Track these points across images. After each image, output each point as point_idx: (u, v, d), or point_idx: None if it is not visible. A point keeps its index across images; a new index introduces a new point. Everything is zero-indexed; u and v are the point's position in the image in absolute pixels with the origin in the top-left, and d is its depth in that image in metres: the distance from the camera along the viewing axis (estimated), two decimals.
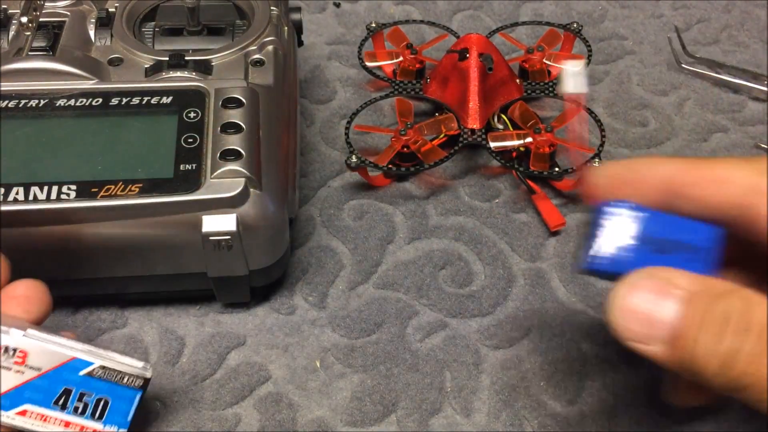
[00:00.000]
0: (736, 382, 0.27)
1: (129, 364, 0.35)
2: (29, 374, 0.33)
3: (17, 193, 0.39)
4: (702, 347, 0.27)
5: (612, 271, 0.30)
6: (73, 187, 0.39)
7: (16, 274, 0.36)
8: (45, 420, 0.34)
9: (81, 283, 0.42)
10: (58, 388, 0.34)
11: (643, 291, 0.29)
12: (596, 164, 0.48)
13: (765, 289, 0.28)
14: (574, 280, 0.47)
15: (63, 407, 0.34)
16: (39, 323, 0.35)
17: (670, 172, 0.31)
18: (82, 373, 0.34)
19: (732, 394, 0.28)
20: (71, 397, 0.34)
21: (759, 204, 0.30)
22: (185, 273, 0.42)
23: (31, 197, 0.39)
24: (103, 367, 0.35)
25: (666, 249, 0.30)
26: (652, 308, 0.28)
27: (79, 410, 0.34)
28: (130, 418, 0.35)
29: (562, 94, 0.32)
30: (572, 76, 0.34)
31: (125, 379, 0.35)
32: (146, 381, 0.36)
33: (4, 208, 0.38)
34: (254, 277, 0.43)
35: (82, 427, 0.34)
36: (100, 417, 0.35)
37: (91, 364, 0.35)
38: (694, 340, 0.27)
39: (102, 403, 0.35)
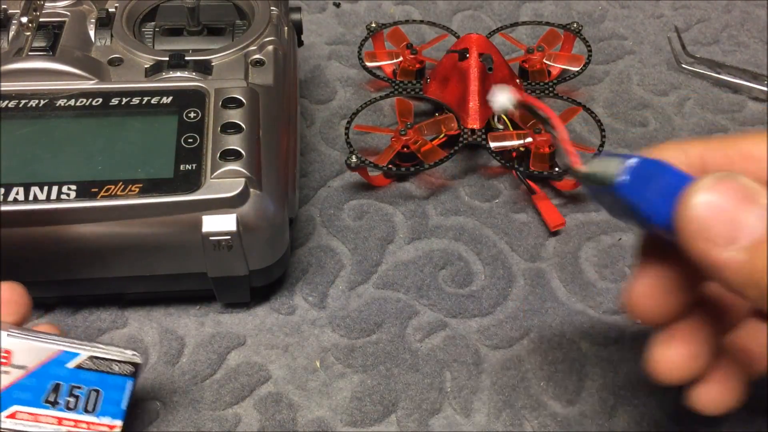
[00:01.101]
0: None
1: (117, 352, 0.35)
2: (15, 374, 0.33)
3: (17, 193, 0.39)
4: None
5: (647, 186, 0.28)
6: (73, 187, 0.39)
7: (16, 275, 0.36)
8: (36, 419, 0.33)
9: (81, 283, 0.42)
10: (47, 385, 0.33)
11: (728, 191, 0.26)
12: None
13: None
14: (574, 280, 0.47)
15: (54, 404, 0.33)
16: (19, 325, 0.34)
17: (698, 155, 0.30)
18: (70, 365, 0.34)
19: None
20: (61, 392, 0.33)
21: None
22: (185, 273, 0.42)
23: (31, 197, 0.39)
24: (91, 358, 0.34)
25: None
26: (737, 211, 0.26)
27: (71, 405, 0.34)
28: (124, 407, 0.35)
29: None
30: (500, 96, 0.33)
31: (115, 368, 0.35)
32: (137, 367, 0.35)
33: (4, 208, 0.38)
34: (254, 277, 0.43)
35: (76, 422, 0.34)
36: (93, 409, 0.34)
37: (78, 355, 0.34)
38: None
39: (94, 395, 0.34)
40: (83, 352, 0.34)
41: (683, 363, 0.31)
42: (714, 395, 0.33)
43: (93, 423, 0.34)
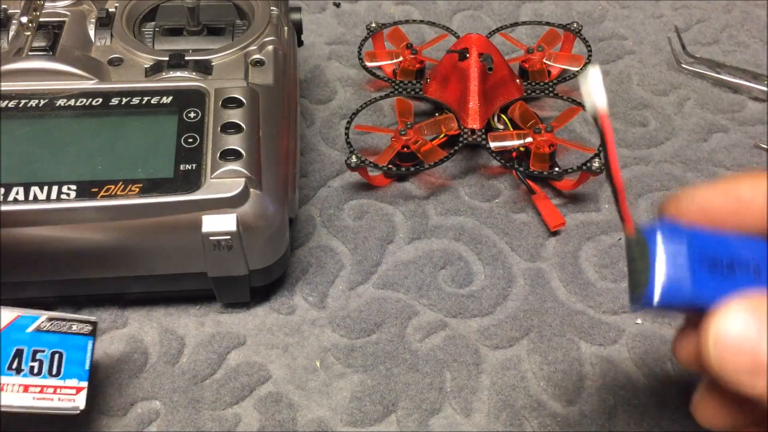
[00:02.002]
0: None
1: (72, 316, 0.35)
2: None
3: (17, 193, 0.39)
4: None
5: (678, 304, 0.27)
6: (73, 187, 0.39)
7: (16, 275, 0.36)
8: (1, 389, 0.33)
9: (81, 283, 0.42)
10: (9, 351, 0.33)
11: (745, 320, 0.25)
12: (596, 164, 0.48)
13: None
14: (574, 280, 0.47)
15: (18, 371, 0.33)
16: None
17: (702, 203, 0.28)
18: (29, 329, 0.34)
19: None
20: (24, 357, 0.33)
21: None
22: (185, 273, 0.42)
23: (31, 197, 0.39)
24: (50, 319, 0.34)
25: (725, 269, 0.27)
26: (758, 340, 0.25)
27: (35, 370, 0.33)
28: (87, 367, 0.35)
29: (590, 114, 0.28)
30: (598, 85, 0.27)
31: (74, 327, 0.35)
32: (94, 326, 0.35)
33: (4, 208, 0.38)
34: (254, 277, 0.43)
35: (42, 387, 0.33)
36: (58, 373, 0.34)
37: (37, 318, 0.34)
38: None
39: (56, 357, 0.34)
40: (41, 315, 0.34)
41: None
42: (717, 411, 0.31)
43: (59, 386, 0.34)
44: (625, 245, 0.28)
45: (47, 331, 0.34)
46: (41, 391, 0.33)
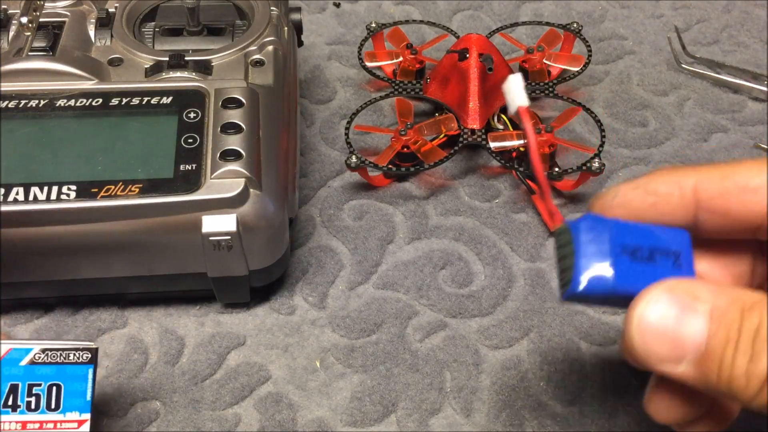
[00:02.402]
0: None
1: (69, 343, 0.33)
2: None
3: (17, 193, 0.39)
4: (738, 368, 0.25)
5: (602, 291, 0.27)
6: (73, 187, 0.39)
7: (16, 275, 0.36)
8: None
9: (81, 283, 0.42)
10: (4, 387, 0.31)
11: (664, 307, 0.26)
12: (596, 164, 0.48)
13: None
14: None
15: (14, 408, 0.31)
16: None
17: (691, 187, 0.29)
18: (23, 362, 0.32)
19: None
20: (20, 393, 0.31)
21: None
22: (185, 273, 0.42)
23: (31, 197, 0.39)
24: (44, 350, 0.32)
25: (647, 257, 0.28)
26: (677, 326, 0.26)
27: (32, 405, 0.32)
28: (89, 397, 0.33)
29: (512, 114, 0.30)
30: (517, 88, 0.30)
31: (71, 356, 0.33)
32: (94, 353, 0.33)
33: (4, 208, 0.38)
34: (254, 277, 0.43)
35: (42, 423, 0.32)
36: (57, 407, 0.32)
37: (30, 350, 0.32)
38: (728, 360, 0.25)
39: (55, 390, 0.32)
40: (34, 347, 0.32)
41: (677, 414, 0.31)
42: (667, 404, 0.31)
43: (59, 421, 0.32)
44: (554, 240, 0.29)
45: (42, 363, 0.32)
46: (40, 428, 0.32)
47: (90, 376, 0.33)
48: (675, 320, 0.26)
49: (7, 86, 0.43)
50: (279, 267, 0.44)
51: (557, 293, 0.29)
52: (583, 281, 0.27)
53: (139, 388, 0.42)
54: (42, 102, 0.43)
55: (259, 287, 0.45)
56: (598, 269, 0.27)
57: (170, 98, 0.43)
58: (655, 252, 0.28)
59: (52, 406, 0.32)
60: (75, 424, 0.33)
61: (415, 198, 0.51)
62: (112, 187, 0.39)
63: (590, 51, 0.57)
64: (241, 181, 0.39)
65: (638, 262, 0.28)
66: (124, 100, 0.43)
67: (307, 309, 0.46)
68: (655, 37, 0.63)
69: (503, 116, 0.53)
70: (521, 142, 0.50)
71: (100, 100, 0.43)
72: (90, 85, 0.44)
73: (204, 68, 0.45)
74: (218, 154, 0.40)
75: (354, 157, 0.49)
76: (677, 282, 0.27)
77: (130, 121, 0.42)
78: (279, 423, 0.41)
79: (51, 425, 0.32)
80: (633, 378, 0.42)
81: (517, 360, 0.43)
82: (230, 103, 0.43)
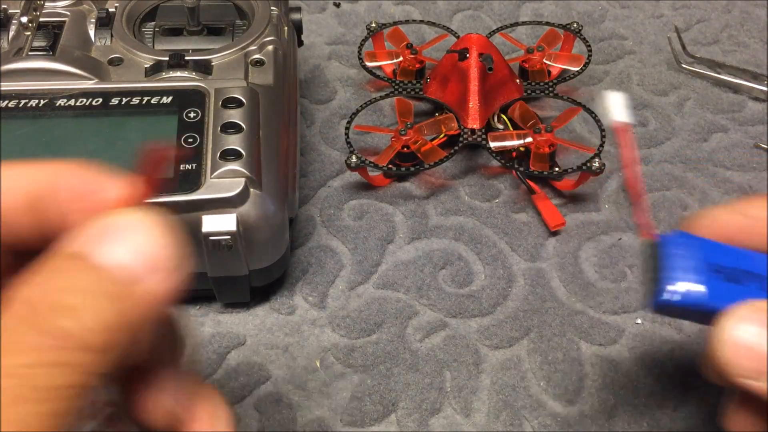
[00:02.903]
0: None
1: None
2: None
3: None
4: None
5: (693, 304, 0.29)
6: None
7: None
8: None
9: None
10: None
11: (754, 325, 0.27)
12: (596, 164, 0.48)
13: None
14: (574, 280, 0.47)
15: None
16: None
17: (722, 223, 0.30)
18: None
19: None
20: None
21: None
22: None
23: None
24: None
25: (737, 279, 0.29)
26: (763, 343, 0.27)
27: None
28: None
29: (610, 125, 0.32)
30: (617, 105, 0.31)
31: None
32: None
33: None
34: (254, 277, 0.43)
35: None
36: None
37: None
38: None
39: None
40: None
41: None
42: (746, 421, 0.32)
43: None
44: (644, 251, 0.30)
45: None
46: None
47: None
48: (762, 337, 0.27)
49: (7, 86, 0.43)
50: (279, 267, 0.44)
51: (645, 301, 0.31)
52: (677, 292, 0.29)
53: None
54: (42, 102, 0.43)
55: (259, 287, 0.45)
56: (691, 283, 0.29)
57: (170, 98, 0.43)
58: (745, 274, 0.30)
59: None
60: None
61: (415, 198, 0.51)
62: None
63: (590, 51, 0.57)
64: (241, 181, 0.39)
65: (728, 281, 0.29)
66: (124, 100, 0.43)
67: (307, 309, 0.46)
68: (655, 37, 0.63)
69: (503, 116, 0.53)
70: (521, 141, 0.50)
71: (100, 100, 0.43)
72: (90, 84, 0.44)
73: (204, 68, 0.45)
74: (218, 154, 0.40)
75: (354, 157, 0.49)
76: (763, 302, 0.28)
77: (130, 121, 0.42)
78: (279, 423, 0.41)
79: None
80: (634, 377, 0.42)
81: (517, 360, 0.43)
82: (230, 102, 0.43)
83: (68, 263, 0.21)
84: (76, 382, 0.20)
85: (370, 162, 0.50)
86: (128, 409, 0.24)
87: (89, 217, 0.22)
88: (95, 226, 0.22)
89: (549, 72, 0.57)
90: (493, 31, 0.58)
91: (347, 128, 0.52)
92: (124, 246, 0.22)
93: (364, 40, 0.58)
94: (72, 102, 0.43)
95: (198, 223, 0.39)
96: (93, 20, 0.47)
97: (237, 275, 0.42)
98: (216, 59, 0.46)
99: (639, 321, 0.45)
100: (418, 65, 0.56)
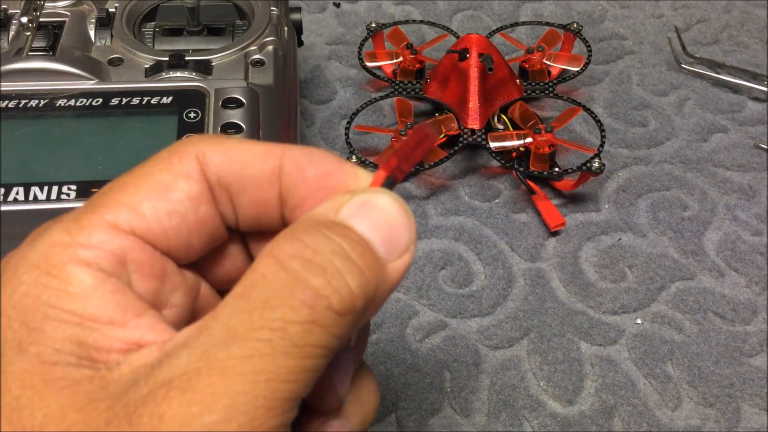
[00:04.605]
0: None
1: None
2: None
3: (17, 193, 0.39)
4: None
5: None
6: (73, 187, 0.39)
7: None
8: None
9: None
10: None
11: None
12: (596, 164, 0.48)
13: None
14: (574, 280, 0.47)
15: None
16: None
17: None
18: None
19: None
20: None
21: None
22: None
23: (31, 197, 0.38)
24: None
25: None
26: None
27: None
28: None
29: None
30: None
31: None
32: None
33: (4, 208, 0.38)
34: None
35: None
36: None
37: None
38: None
39: None
40: None
41: None
42: None
43: None
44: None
45: None
46: None
47: None
48: None
49: (7, 86, 0.43)
50: None
51: None
52: None
53: None
54: (42, 102, 0.43)
55: None
56: None
57: (170, 98, 0.43)
58: None
59: None
60: None
61: (415, 198, 0.51)
62: None
63: (590, 51, 0.57)
64: None
65: None
66: (124, 100, 0.43)
67: None
68: (655, 37, 0.63)
69: (503, 116, 0.53)
70: (521, 142, 0.50)
71: (100, 100, 0.43)
72: (90, 84, 0.44)
73: (204, 68, 0.45)
74: None
75: (354, 157, 0.49)
76: None
77: (130, 121, 0.42)
78: None
79: None
80: (637, 378, 0.42)
81: (517, 360, 0.43)
82: (230, 103, 0.43)
83: (329, 229, 0.21)
84: (324, 342, 0.20)
85: (370, 162, 0.50)
86: None
87: (338, 193, 0.22)
88: (355, 199, 0.22)
89: (549, 72, 0.57)
90: (493, 31, 0.58)
91: (347, 128, 0.52)
92: (382, 224, 0.22)
93: (364, 40, 0.58)
94: (72, 102, 0.43)
95: None
96: (93, 20, 0.47)
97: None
98: (216, 59, 0.46)
99: (639, 321, 0.45)
100: (418, 65, 0.56)
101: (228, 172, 0.23)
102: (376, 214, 0.22)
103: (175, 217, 0.22)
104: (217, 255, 0.25)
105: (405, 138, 0.23)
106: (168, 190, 0.22)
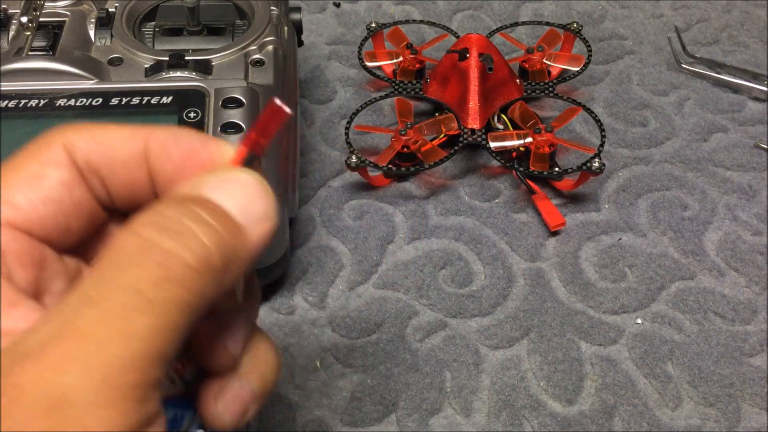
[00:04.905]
0: None
1: None
2: None
3: None
4: None
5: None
6: None
7: None
8: None
9: None
10: None
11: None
12: (596, 164, 0.48)
13: None
14: (574, 280, 0.47)
15: None
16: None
17: None
18: None
19: None
20: None
21: None
22: None
23: None
24: None
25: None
26: None
27: None
28: None
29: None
30: None
31: None
32: None
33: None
34: None
35: None
36: None
37: None
38: None
39: None
40: None
41: None
42: None
43: None
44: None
45: None
46: None
47: None
48: None
49: (7, 86, 0.43)
50: (279, 267, 0.44)
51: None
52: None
53: None
54: (42, 101, 0.43)
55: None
56: None
57: (170, 98, 0.43)
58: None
59: None
60: None
61: (415, 198, 0.51)
62: None
63: (590, 51, 0.57)
64: None
65: None
66: (124, 100, 0.43)
67: (307, 309, 0.46)
68: (655, 37, 0.63)
69: (503, 116, 0.53)
70: (521, 141, 0.50)
71: (100, 100, 0.43)
72: (90, 84, 0.44)
73: (204, 68, 0.45)
74: None
75: (354, 157, 0.49)
76: None
77: (130, 121, 0.42)
78: (279, 423, 0.41)
79: None
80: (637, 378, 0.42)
81: (517, 360, 0.43)
82: (230, 102, 0.43)
83: (187, 201, 0.22)
84: (184, 299, 0.20)
85: (370, 162, 0.50)
86: (193, 351, 0.25)
87: (201, 173, 0.24)
88: (213, 176, 0.23)
89: (549, 72, 0.57)
90: (493, 31, 0.58)
91: (347, 128, 0.52)
92: (238, 194, 0.23)
93: (364, 40, 0.58)
94: (72, 102, 0.43)
95: None
96: (93, 20, 0.47)
97: None
98: (216, 59, 0.46)
99: (639, 321, 0.45)
100: (418, 65, 0.56)
101: (96, 157, 0.24)
102: (233, 187, 0.23)
103: (50, 204, 0.23)
104: (102, 238, 0.26)
105: (262, 111, 0.24)
106: (39, 179, 0.23)
